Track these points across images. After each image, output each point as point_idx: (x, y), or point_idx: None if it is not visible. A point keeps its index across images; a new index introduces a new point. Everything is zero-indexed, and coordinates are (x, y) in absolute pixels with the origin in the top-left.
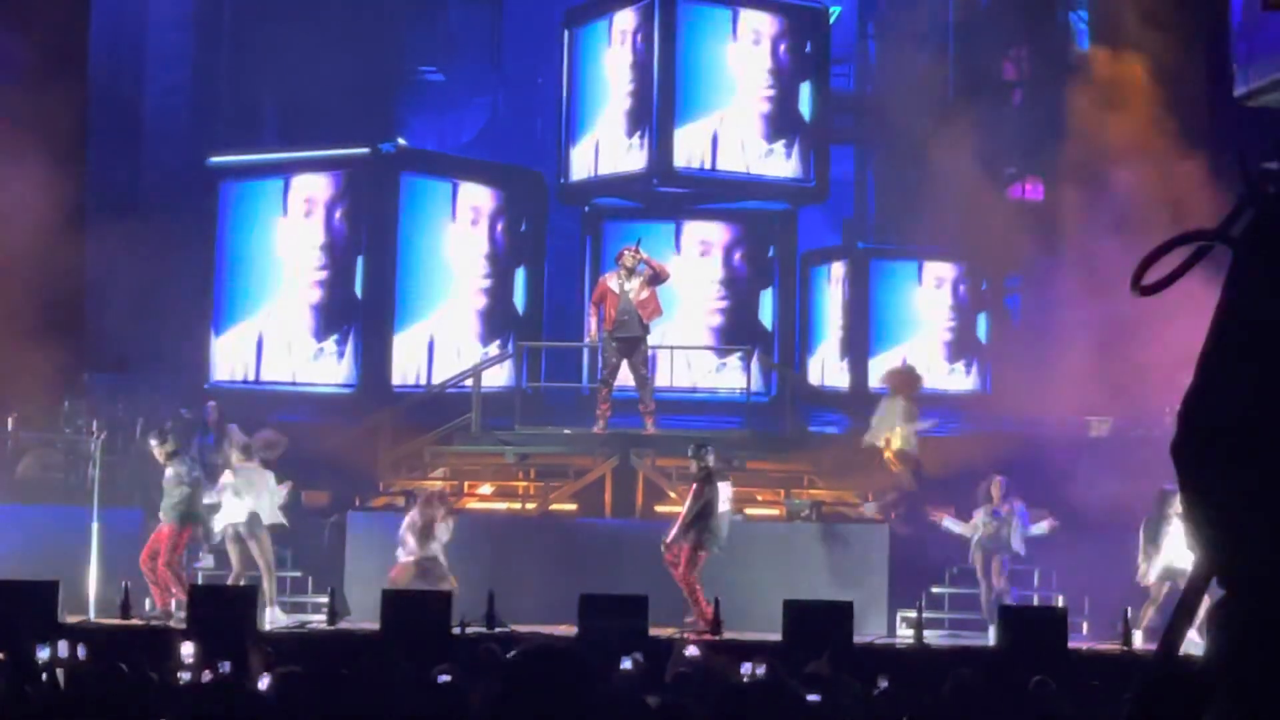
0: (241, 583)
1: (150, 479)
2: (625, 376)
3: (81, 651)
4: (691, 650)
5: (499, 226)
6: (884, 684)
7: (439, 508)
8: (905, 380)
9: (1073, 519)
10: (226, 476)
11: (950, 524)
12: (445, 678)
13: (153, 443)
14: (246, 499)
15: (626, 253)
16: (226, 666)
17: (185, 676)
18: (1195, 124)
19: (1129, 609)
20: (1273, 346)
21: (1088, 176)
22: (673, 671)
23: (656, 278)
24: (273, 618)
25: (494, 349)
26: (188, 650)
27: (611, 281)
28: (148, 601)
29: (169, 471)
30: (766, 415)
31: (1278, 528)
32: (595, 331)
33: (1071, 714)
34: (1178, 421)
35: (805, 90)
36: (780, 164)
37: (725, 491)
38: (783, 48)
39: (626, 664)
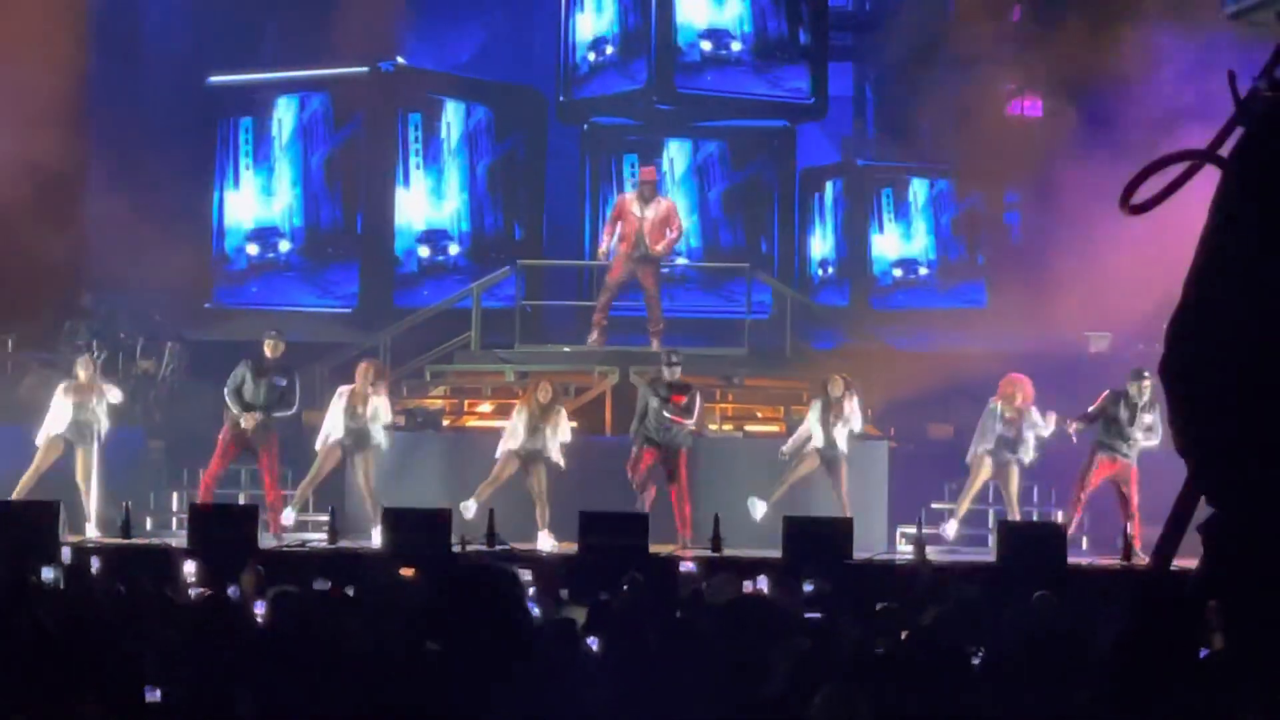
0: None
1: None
2: (623, 297)
3: (95, 565)
4: (687, 567)
5: (498, 145)
6: (884, 601)
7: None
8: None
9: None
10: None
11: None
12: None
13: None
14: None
15: (645, 181)
16: (235, 591)
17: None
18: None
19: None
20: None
21: (1086, 92)
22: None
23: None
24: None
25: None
26: (189, 569)
27: (632, 205)
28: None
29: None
30: (766, 333)
31: (1262, 445)
32: (606, 246)
33: (1072, 628)
34: (1165, 341)
35: (803, 7)
36: (779, 81)
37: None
38: None
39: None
